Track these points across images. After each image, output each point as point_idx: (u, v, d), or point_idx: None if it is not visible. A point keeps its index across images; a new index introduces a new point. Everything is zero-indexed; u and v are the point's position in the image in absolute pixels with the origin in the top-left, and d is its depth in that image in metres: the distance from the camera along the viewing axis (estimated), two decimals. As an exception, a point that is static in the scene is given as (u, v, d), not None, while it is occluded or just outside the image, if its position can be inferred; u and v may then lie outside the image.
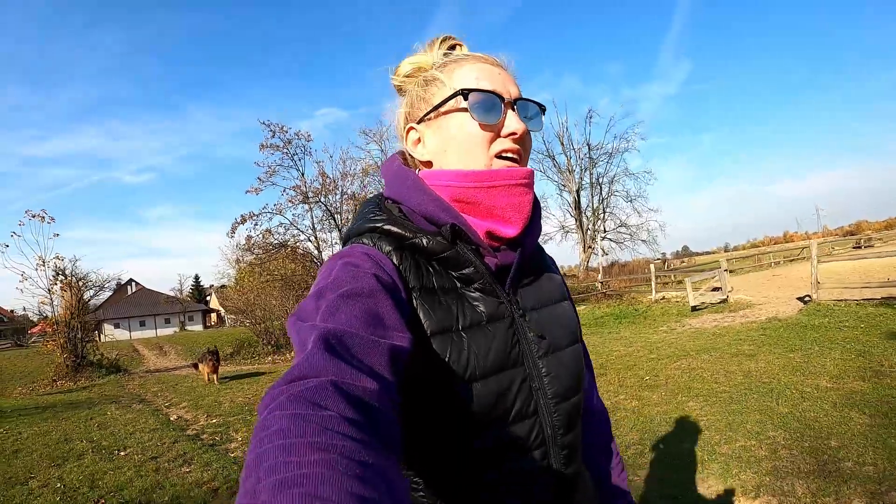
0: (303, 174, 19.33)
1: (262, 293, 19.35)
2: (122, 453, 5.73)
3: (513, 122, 0.81)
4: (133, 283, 56.10)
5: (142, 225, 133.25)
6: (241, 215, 18.68)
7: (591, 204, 33.84)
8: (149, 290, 55.61)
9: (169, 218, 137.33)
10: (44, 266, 15.97)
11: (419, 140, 0.87)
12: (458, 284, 0.81)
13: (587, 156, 33.31)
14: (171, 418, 7.75)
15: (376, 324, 0.64)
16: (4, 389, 13.89)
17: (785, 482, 3.36)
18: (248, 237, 18.93)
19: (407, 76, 0.90)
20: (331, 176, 18.99)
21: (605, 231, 33.52)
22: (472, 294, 0.80)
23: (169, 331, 48.32)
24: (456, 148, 0.81)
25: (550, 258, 1.01)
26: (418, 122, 0.86)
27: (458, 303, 0.79)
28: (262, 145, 18.77)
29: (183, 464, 5.20)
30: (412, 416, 0.74)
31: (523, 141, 0.83)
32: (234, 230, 18.89)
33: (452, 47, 0.90)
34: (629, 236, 33.39)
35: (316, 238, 20.03)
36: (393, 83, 0.92)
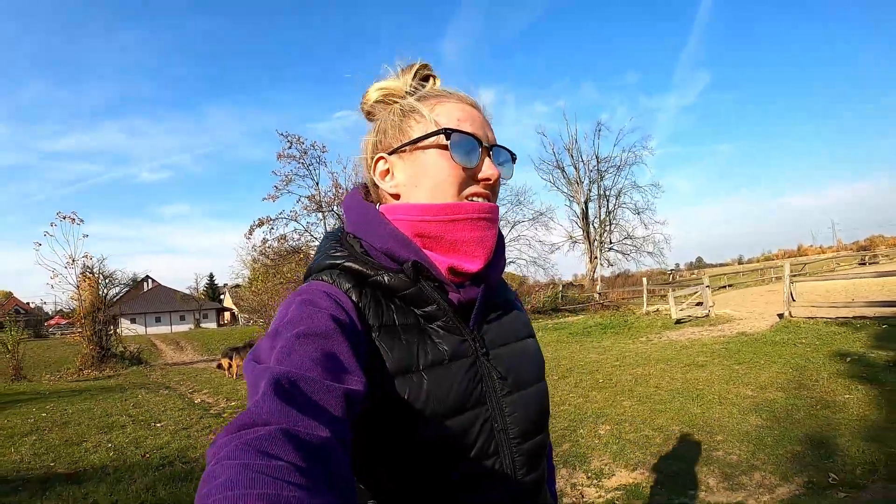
0: (317, 183, 20.56)
1: (275, 295, 20.60)
2: (158, 424, 6.93)
3: (488, 168, 0.82)
4: (150, 280, 57.81)
5: (158, 222, 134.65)
6: (259, 219, 19.89)
7: (598, 215, 34.90)
8: (164, 287, 57.21)
9: (185, 216, 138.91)
10: (73, 264, 17.30)
11: (388, 171, 0.86)
12: (421, 322, 0.79)
13: (596, 168, 34.40)
14: (196, 401, 8.96)
15: (331, 366, 0.63)
16: (33, 376, 15.15)
17: (662, 462, 4.39)
18: (264, 240, 20.20)
19: (377, 101, 0.89)
20: (343, 186, 20.22)
21: (611, 242, 34.56)
22: (435, 331, 0.79)
23: (183, 327, 49.78)
24: (429, 185, 0.81)
25: (514, 292, 1.00)
26: (390, 153, 0.85)
27: (419, 341, 0.77)
28: (280, 155, 20.05)
29: (209, 433, 6.36)
30: (371, 455, 0.74)
31: (494, 186, 0.84)
32: (251, 232, 20.12)
33: (426, 77, 0.90)
34: (635, 248, 34.37)
35: (328, 244, 21.29)
36: (362, 109, 0.91)
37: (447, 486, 0.74)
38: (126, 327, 43.93)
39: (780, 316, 12.23)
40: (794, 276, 13.50)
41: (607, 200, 34.44)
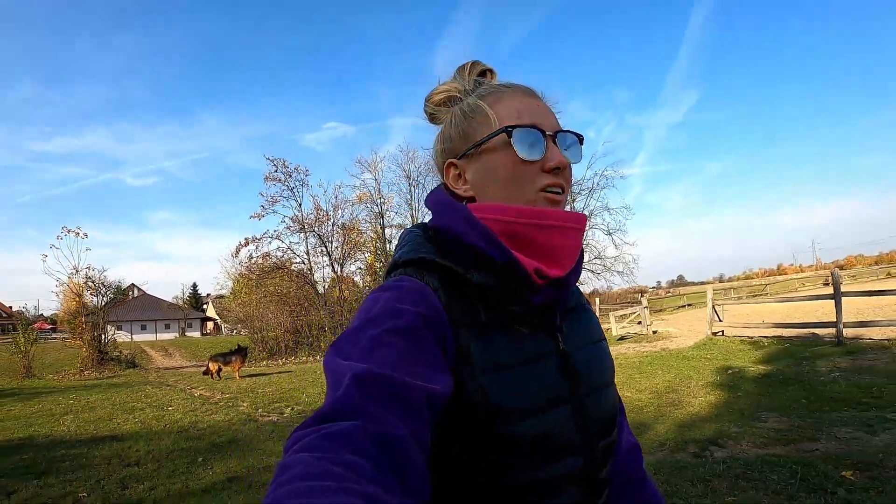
0: (300, 205, 22.70)
1: (259, 307, 22.56)
2: (169, 408, 8.96)
3: (555, 157, 0.81)
4: (135, 289, 59.38)
5: (143, 229, 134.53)
6: (245, 238, 22.00)
7: (578, 234, 36.83)
8: (150, 295, 58.84)
9: (170, 223, 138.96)
10: (76, 274, 19.16)
11: (460, 175, 0.86)
12: (507, 321, 0.79)
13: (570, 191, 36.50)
14: (195, 394, 10.95)
15: (416, 364, 0.64)
16: (39, 376, 16.94)
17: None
18: (251, 257, 22.22)
19: (439, 105, 0.91)
20: (324, 208, 22.37)
21: (582, 262, 36.47)
22: (521, 331, 0.79)
23: (168, 335, 51.54)
24: (500, 184, 0.81)
25: (586, 298, 1.00)
26: (459, 158, 0.86)
27: (505, 340, 0.77)
28: (266, 177, 22.12)
29: (212, 413, 8.40)
30: (454, 452, 0.74)
31: (563, 174, 0.83)
32: (237, 251, 22.20)
33: (483, 73, 0.92)
34: (605, 268, 36.48)
35: (309, 261, 23.39)
36: (426, 111, 0.93)
37: (531, 485, 0.75)
38: (113, 334, 45.68)
39: (715, 334, 13.74)
40: (724, 299, 15.57)
41: (579, 222, 36.45)
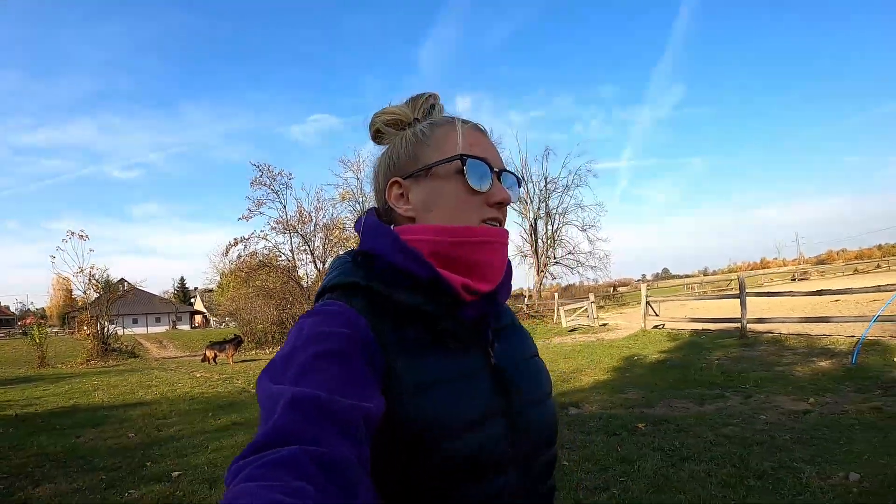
0: (284, 207, 24.97)
1: (247, 301, 24.82)
2: (179, 384, 11.31)
3: (500, 192, 0.85)
4: (125, 283, 61.26)
5: (128, 222, 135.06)
6: (235, 238, 24.21)
7: (546, 231, 39.42)
8: (140, 289, 60.76)
9: (155, 216, 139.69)
10: (81, 273, 21.31)
11: (402, 195, 0.88)
12: (437, 338, 0.80)
13: (544, 188, 39.00)
14: (197, 375, 13.26)
15: (348, 386, 0.65)
16: (52, 365, 19.16)
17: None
18: (239, 256, 24.47)
19: (387, 124, 0.92)
20: (307, 210, 24.67)
21: (555, 257, 39.08)
22: (452, 348, 0.81)
23: (159, 329, 53.57)
24: (445, 209, 0.84)
25: (515, 316, 1.03)
26: (405, 178, 0.87)
27: (436, 357, 0.79)
28: (253, 182, 24.33)
29: (214, 387, 10.78)
30: (389, 473, 0.74)
31: (503, 210, 0.87)
32: (227, 251, 24.44)
33: (432, 106, 0.93)
34: (578, 263, 38.86)
35: (294, 259, 25.69)
36: (371, 127, 0.94)
37: (470, 501, 0.75)
38: (114, 327, 47.95)
39: (656, 327, 15.89)
40: (657, 296, 17.84)
41: (552, 219, 39.04)
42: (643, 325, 16.10)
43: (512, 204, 0.90)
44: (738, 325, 12.20)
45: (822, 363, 8.76)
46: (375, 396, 0.68)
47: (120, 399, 9.79)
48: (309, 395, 0.60)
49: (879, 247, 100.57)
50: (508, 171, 0.90)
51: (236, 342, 17.38)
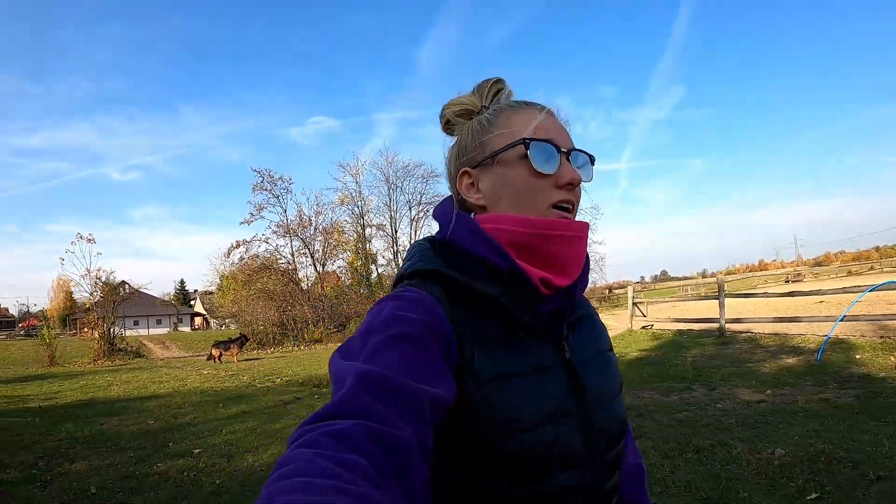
0: (285, 211, 25.83)
1: (249, 303, 25.64)
2: (188, 380, 12.06)
3: (569, 173, 0.83)
4: (126, 285, 62.11)
5: (127, 224, 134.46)
6: (236, 241, 25.13)
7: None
8: (142, 292, 61.61)
9: (154, 219, 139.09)
10: (88, 276, 22.09)
11: (473, 184, 0.88)
12: (513, 331, 0.80)
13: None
14: (204, 372, 14.03)
15: (420, 370, 0.65)
16: (60, 364, 19.91)
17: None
18: (241, 258, 25.34)
19: (456, 115, 0.93)
20: (307, 214, 25.53)
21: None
22: (527, 341, 0.81)
23: (160, 331, 54.50)
24: (513, 196, 0.83)
25: (594, 308, 1.03)
26: (474, 167, 0.87)
27: (511, 350, 0.79)
28: (254, 187, 25.16)
29: (222, 382, 11.54)
30: (458, 463, 0.75)
31: (576, 190, 0.85)
32: (229, 253, 25.30)
33: (499, 90, 0.93)
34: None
35: (294, 262, 26.52)
36: (442, 118, 0.95)
37: (536, 497, 0.75)
38: (121, 328, 48.98)
39: (643, 327, 16.55)
40: (640, 299, 18.55)
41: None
42: (630, 325, 16.82)
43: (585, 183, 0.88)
44: (718, 324, 12.82)
45: (790, 360, 9.31)
46: (446, 383, 0.68)
47: (135, 393, 10.55)
48: (378, 373, 0.60)
49: (877, 248, 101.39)
50: (579, 150, 0.88)
51: (240, 341, 18.21)
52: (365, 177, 29.71)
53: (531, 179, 0.83)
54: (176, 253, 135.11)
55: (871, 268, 45.92)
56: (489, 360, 0.76)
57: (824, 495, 3.65)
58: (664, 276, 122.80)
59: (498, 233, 0.82)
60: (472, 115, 0.92)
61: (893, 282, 10.95)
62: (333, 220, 27.58)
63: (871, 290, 10.67)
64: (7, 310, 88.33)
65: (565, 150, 0.85)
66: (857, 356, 8.71)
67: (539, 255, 0.82)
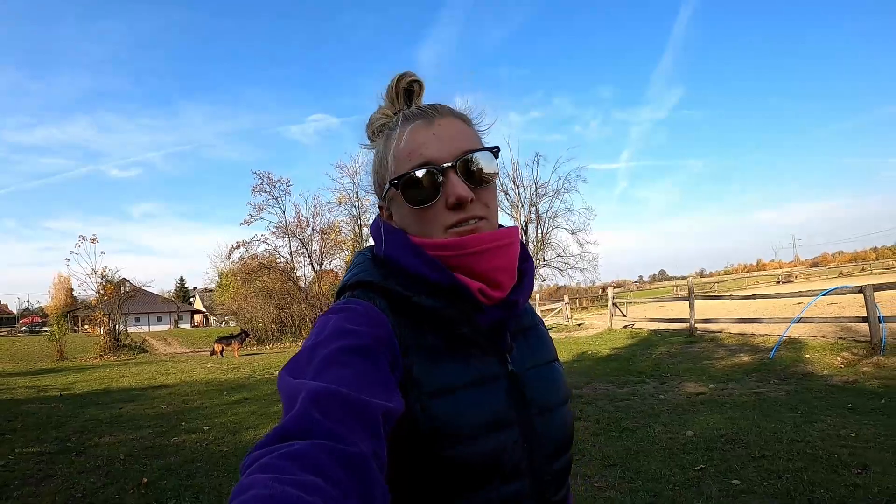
0: (283, 212, 26.90)
1: (249, 301, 26.74)
2: (193, 373, 13.15)
3: (454, 192, 0.80)
4: (127, 283, 63.22)
5: (126, 220, 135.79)
6: (237, 241, 26.20)
7: (536, 235, 41.21)
8: (142, 289, 62.73)
9: (153, 215, 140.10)
10: (94, 274, 23.19)
11: (390, 216, 0.90)
12: (454, 343, 0.81)
13: (535, 192, 40.79)
14: (207, 366, 15.11)
15: (370, 383, 0.65)
16: (69, 359, 21.00)
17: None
18: (241, 258, 26.44)
19: (375, 136, 0.92)
20: (304, 215, 26.62)
21: (545, 260, 40.84)
22: (468, 353, 0.81)
23: (161, 327, 55.60)
24: (412, 229, 0.84)
25: (540, 317, 1.02)
26: (382, 199, 0.89)
27: (453, 362, 0.79)
28: (254, 189, 26.24)
29: (225, 374, 12.60)
30: (399, 475, 0.75)
31: (478, 198, 0.82)
32: (230, 253, 26.40)
33: (410, 89, 0.90)
34: (568, 265, 40.64)
35: (292, 261, 27.64)
36: (368, 141, 0.94)
37: None
38: (126, 325, 50.15)
39: (626, 326, 17.47)
40: (622, 300, 19.59)
41: (542, 223, 40.84)
42: (609, 324, 17.86)
43: (495, 179, 0.86)
44: (688, 324, 13.84)
45: (745, 358, 10.17)
46: (395, 395, 0.68)
47: (146, 383, 11.63)
48: (329, 390, 0.59)
49: (875, 249, 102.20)
50: (470, 152, 0.83)
51: (241, 337, 19.34)
52: (362, 178, 30.50)
53: (416, 214, 0.82)
54: (175, 250, 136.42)
55: (863, 269, 46.71)
56: (431, 373, 0.77)
57: (709, 466, 4.57)
58: (662, 276, 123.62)
59: (428, 249, 0.81)
60: (382, 132, 0.90)
61: (844, 287, 11.82)
62: (331, 220, 28.68)
63: (823, 295, 11.59)
64: (7, 306, 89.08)
65: (449, 164, 0.81)
66: (807, 355, 9.42)
67: (465, 270, 0.81)
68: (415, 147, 0.83)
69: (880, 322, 9.23)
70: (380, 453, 0.59)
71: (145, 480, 4.86)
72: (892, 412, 5.82)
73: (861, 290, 9.70)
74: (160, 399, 9.40)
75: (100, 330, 23.47)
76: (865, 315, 9.42)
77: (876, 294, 9.54)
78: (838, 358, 8.98)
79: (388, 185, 0.84)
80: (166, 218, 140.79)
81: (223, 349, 18.81)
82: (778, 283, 42.49)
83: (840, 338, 10.39)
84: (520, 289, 0.87)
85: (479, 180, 0.83)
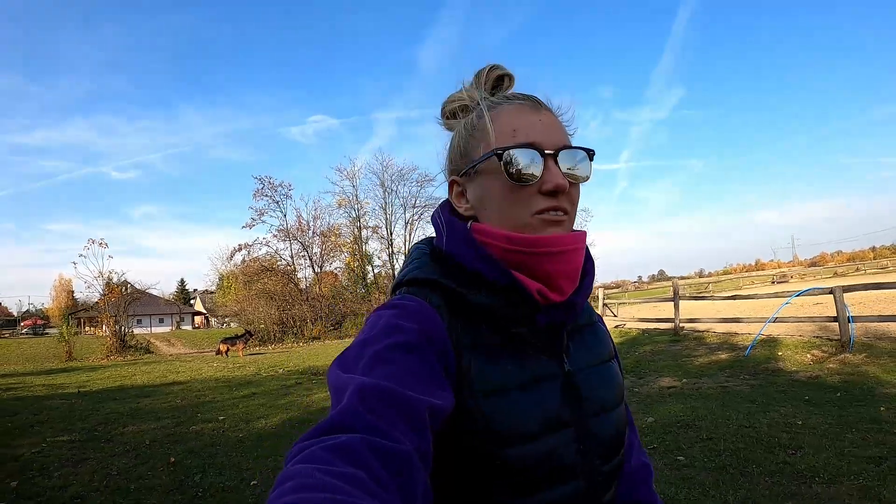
0: (285, 216, 27.72)
1: (251, 302, 27.56)
2: (202, 371, 13.95)
3: (553, 178, 0.79)
4: (129, 285, 63.95)
5: (126, 222, 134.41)
6: (239, 244, 27.02)
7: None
8: (144, 291, 63.42)
9: (153, 217, 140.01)
10: (101, 277, 23.96)
11: (462, 193, 0.88)
12: (511, 342, 0.81)
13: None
14: (214, 365, 15.91)
15: (418, 380, 0.65)
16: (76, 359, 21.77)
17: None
18: (243, 260, 27.25)
19: (452, 115, 0.92)
20: (305, 219, 27.43)
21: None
22: (524, 353, 0.81)
23: (162, 329, 56.40)
24: (495, 206, 0.82)
25: (598, 315, 1.01)
26: (460, 176, 0.87)
27: (508, 361, 0.79)
28: (255, 193, 27.07)
29: (232, 372, 13.38)
30: (451, 474, 0.75)
31: (568, 194, 0.81)
32: (232, 256, 27.23)
33: (500, 78, 0.90)
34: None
35: (293, 264, 28.46)
36: (442, 116, 0.94)
37: None
38: (132, 326, 50.81)
39: (618, 326, 17.82)
40: (613, 300, 20.31)
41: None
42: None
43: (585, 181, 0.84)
44: (673, 324, 14.48)
45: (723, 355, 10.72)
46: (445, 393, 0.69)
47: (158, 380, 12.39)
48: (376, 385, 0.61)
49: (873, 248, 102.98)
50: (572, 148, 0.83)
51: (246, 338, 20.16)
52: (361, 181, 31.42)
53: (510, 190, 0.80)
54: (174, 251, 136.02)
55: (858, 269, 47.39)
56: (486, 372, 0.77)
57: (660, 446, 5.27)
58: (661, 276, 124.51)
59: (490, 246, 0.81)
60: (469, 111, 0.89)
61: (816, 288, 12.53)
62: (331, 223, 29.50)
63: (796, 296, 12.31)
64: (7, 308, 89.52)
65: (551, 152, 0.80)
66: (780, 353, 9.89)
67: (530, 270, 0.80)
68: (521, 126, 0.82)
69: (849, 322, 9.79)
70: (424, 450, 0.59)
71: (172, 460, 5.61)
72: (844, 404, 6.37)
73: (831, 291, 10.27)
74: (174, 394, 10.16)
75: (106, 331, 24.12)
76: (836, 315, 9.93)
77: (863, 294, 10.09)
78: (808, 355, 9.49)
79: (484, 156, 0.82)
80: (166, 219, 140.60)
81: (228, 349, 19.66)
82: (773, 283, 43.08)
83: (816, 336, 10.84)
84: (580, 290, 0.86)
85: (573, 178, 0.82)
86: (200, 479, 4.99)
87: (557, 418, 0.80)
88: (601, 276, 42.57)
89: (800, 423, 5.75)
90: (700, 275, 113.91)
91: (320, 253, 28.26)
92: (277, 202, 27.42)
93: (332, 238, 28.54)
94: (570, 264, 0.82)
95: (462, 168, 0.86)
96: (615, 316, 19.62)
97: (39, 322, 68.56)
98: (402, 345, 0.69)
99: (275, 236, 27.50)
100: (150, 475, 5.19)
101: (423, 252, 0.89)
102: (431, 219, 0.91)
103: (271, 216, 27.51)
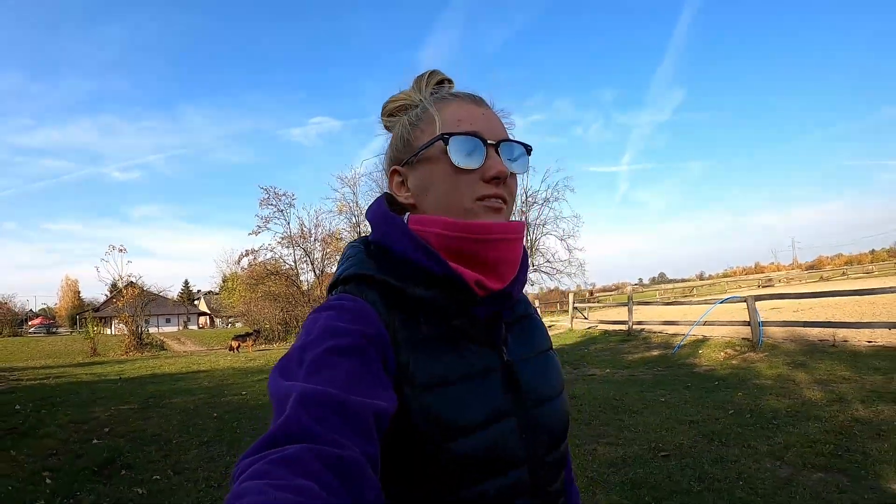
0: (288, 223, 30.36)
1: (257, 303, 30.28)
2: (220, 363, 16.72)
3: (495, 165, 0.82)
4: (141, 287, 66.66)
5: (127, 223, 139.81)
6: (246, 249, 29.69)
7: (526, 241, 43.92)
8: (152, 292, 66.00)
9: (154, 218, 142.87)
10: (121, 280, 26.71)
11: (403, 182, 0.90)
12: (449, 335, 0.81)
13: (525, 201, 43.86)
14: (227, 359, 18.60)
15: (361, 383, 0.66)
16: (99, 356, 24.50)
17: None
18: (250, 264, 29.94)
19: (391, 115, 0.95)
20: (307, 227, 30.07)
21: (534, 265, 43.84)
22: (464, 345, 0.82)
23: (169, 329, 59.51)
24: (438, 192, 0.84)
25: (534, 307, 1.03)
26: (402, 165, 0.89)
27: (448, 355, 0.80)
28: (261, 202, 29.67)
29: (244, 364, 16.11)
30: (398, 472, 0.75)
31: (507, 184, 0.84)
32: (239, 260, 29.93)
33: (441, 83, 0.94)
34: (556, 270, 43.67)
35: (296, 268, 31.15)
36: (382, 116, 0.97)
37: (480, 500, 0.77)
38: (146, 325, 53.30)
39: (591, 327, 20.50)
40: (581, 305, 22.75)
41: (532, 230, 43.80)
42: (570, 325, 21.22)
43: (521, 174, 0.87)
44: (627, 326, 16.97)
45: (655, 352, 12.29)
46: (388, 394, 0.69)
47: (184, 370, 15.06)
48: (319, 392, 0.61)
49: (872, 252, 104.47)
50: (511, 141, 0.87)
51: (254, 335, 23.06)
52: (361, 187, 33.73)
53: (453, 175, 0.82)
54: (176, 252, 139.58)
55: (843, 273, 49.13)
56: (426, 366, 0.77)
57: (585, 415, 7.28)
58: (661, 279, 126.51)
59: (428, 235, 0.82)
60: (412, 108, 0.92)
61: (734, 297, 14.61)
62: (331, 229, 31.90)
63: (719, 304, 14.61)
64: (12, 307, 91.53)
65: (494, 142, 0.84)
66: (701, 351, 11.19)
67: (470, 258, 0.82)
68: (465, 117, 0.86)
69: (759, 326, 11.71)
70: (372, 454, 0.60)
71: (216, 415, 8.27)
72: (713, 390, 7.71)
73: (745, 300, 12.32)
74: (201, 379, 12.81)
75: (123, 329, 26.80)
76: (748, 320, 11.87)
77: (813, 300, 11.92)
78: (722, 353, 10.80)
79: (430, 140, 0.84)
80: (167, 220, 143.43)
81: (239, 345, 22.52)
82: (759, 287, 45.08)
83: (744, 339, 11.96)
84: (515, 281, 0.88)
85: (511, 169, 0.86)
86: (237, 426, 7.61)
87: (499, 409, 0.81)
88: (601, 278, 44.62)
89: (662, 399, 7.33)
90: (700, 277, 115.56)
91: (321, 257, 30.73)
92: (282, 210, 29.99)
93: (333, 244, 30.85)
94: (513, 253, 0.86)
95: (404, 157, 0.89)
96: (586, 319, 22.05)
97: (48, 321, 71.19)
98: (340, 348, 0.69)
99: (279, 243, 30.11)
100: (202, 423, 7.80)
101: (357, 249, 0.89)
102: (366, 214, 0.92)
103: (276, 223, 30.09)
